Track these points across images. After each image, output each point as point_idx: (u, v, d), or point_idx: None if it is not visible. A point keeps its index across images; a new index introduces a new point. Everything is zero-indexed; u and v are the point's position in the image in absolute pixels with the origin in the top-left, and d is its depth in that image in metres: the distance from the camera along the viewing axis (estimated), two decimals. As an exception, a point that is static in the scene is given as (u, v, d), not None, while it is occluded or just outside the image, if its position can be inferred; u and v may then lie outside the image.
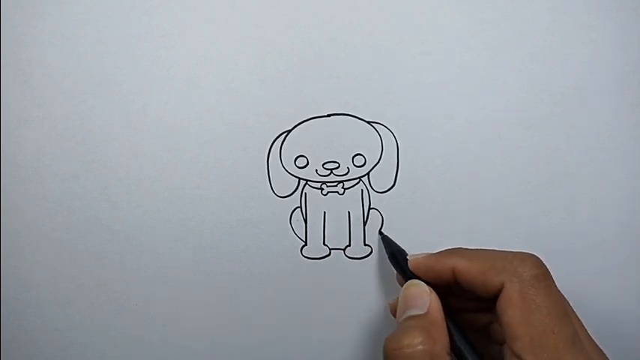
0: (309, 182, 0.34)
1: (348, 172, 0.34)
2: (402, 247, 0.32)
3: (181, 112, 0.34)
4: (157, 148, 0.34)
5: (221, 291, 0.34)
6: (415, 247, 0.34)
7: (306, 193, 0.34)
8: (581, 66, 0.34)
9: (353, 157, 0.34)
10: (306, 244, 0.34)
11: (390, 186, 0.34)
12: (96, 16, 0.34)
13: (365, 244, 0.34)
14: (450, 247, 0.29)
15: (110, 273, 0.34)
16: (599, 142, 0.34)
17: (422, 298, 0.27)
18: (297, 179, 0.34)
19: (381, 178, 0.34)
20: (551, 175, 0.34)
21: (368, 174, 0.34)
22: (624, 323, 0.34)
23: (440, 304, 0.27)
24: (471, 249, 0.28)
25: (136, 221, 0.34)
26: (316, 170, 0.34)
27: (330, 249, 0.34)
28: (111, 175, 0.34)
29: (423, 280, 0.29)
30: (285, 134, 0.34)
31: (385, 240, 0.33)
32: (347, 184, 0.34)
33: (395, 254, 0.31)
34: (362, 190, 0.34)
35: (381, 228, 0.34)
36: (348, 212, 0.34)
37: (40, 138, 0.34)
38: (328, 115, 0.34)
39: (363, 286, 0.34)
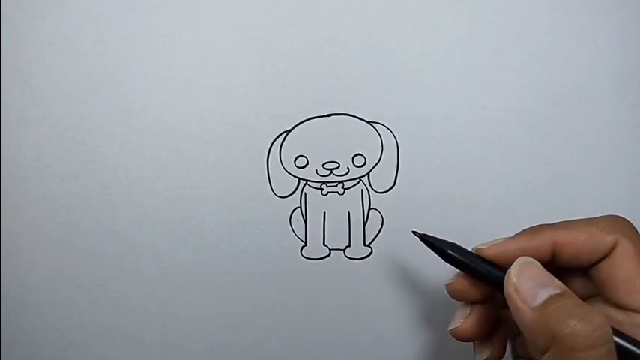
0: (309, 182, 0.34)
1: (348, 172, 0.34)
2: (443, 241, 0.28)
3: (181, 112, 0.34)
4: (157, 148, 0.34)
5: (221, 291, 0.34)
6: (415, 247, 0.34)
7: (305, 194, 0.34)
8: (581, 66, 0.34)
9: (353, 157, 0.34)
10: (305, 245, 0.34)
11: (390, 186, 0.34)
12: (96, 16, 0.34)
13: (365, 245, 0.34)
14: (525, 229, 0.27)
15: (110, 273, 0.34)
16: (599, 142, 0.34)
17: (545, 275, 0.24)
18: (297, 179, 0.34)
19: (381, 178, 0.34)
20: (551, 175, 0.34)
21: (368, 174, 0.34)
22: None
23: None
24: (558, 222, 0.27)
25: (136, 221, 0.34)
26: (316, 170, 0.34)
27: (329, 249, 0.34)
28: (111, 175, 0.34)
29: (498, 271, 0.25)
30: (285, 134, 0.34)
31: (430, 238, 0.28)
32: (347, 185, 0.34)
33: (454, 249, 0.27)
34: (362, 190, 0.34)
35: (381, 228, 0.34)
36: (348, 212, 0.34)
37: (40, 138, 0.34)
38: (328, 115, 0.34)
39: (363, 287, 0.34)
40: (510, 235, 0.27)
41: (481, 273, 0.26)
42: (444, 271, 0.34)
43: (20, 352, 0.34)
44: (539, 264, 0.25)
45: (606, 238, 0.25)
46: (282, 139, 0.34)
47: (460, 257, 0.26)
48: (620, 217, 0.26)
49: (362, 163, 0.34)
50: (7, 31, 0.34)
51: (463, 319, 0.27)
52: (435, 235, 0.28)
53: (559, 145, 0.34)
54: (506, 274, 0.24)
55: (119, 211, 0.34)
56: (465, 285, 0.27)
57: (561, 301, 0.23)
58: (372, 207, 0.34)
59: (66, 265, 0.34)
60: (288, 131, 0.34)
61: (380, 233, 0.34)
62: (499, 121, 0.34)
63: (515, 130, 0.34)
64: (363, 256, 0.34)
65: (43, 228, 0.34)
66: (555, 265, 0.26)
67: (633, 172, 0.34)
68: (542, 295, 0.23)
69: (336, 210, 0.34)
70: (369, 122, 0.34)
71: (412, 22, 0.34)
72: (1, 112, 0.34)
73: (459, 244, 0.27)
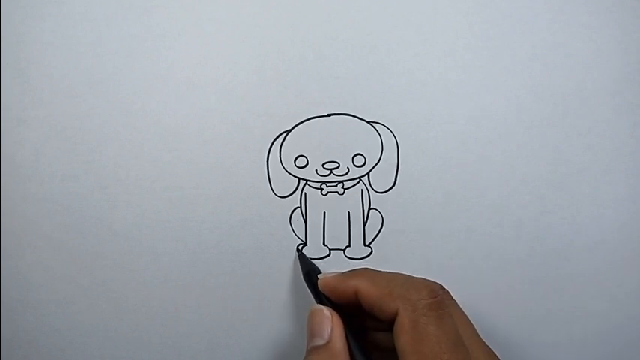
0: (308, 182, 0.34)
1: (348, 172, 0.34)
2: (318, 266, 0.32)
3: (181, 112, 0.34)
4: (156, 148, 0.34)
5: (221, 291, 0.34)
6: (415, 247, 0.34)
7: (305, 193, 0.34)
8: (581, 66, 0.34)
9: (353, 157, 0.34)
10: (305, 245, 0.34)
11: (390, 186, 0.34)
12: (96, 16, 0.34)
13: (365, 245, 0.34)
14: (358, 267, 0.30)
15: (110, 273, 0.34)
16: (599, 142, 0.34)
17: (323, 324, 0.28)
18: (297, 179, 0.34)
19: (381, 178, 0.34)
20: (551, 175, 0.34)
21: (368, 174, 0.34)
22: (624, 323, 0.34)
23: (342, 329, 0.27)
24: (377, 271, 0.29)
25: (136, 221, 0.34)
26: (316, 170, 0.34)
27: (329, 249, 0.34)
28: (111, 175, 0.34)
29: (332, 301, 0.29)
30: (285, 134, 0.34)
31: (301, 258, 0.33)
32: (347, 184, 0.34)
33: (309, 273, 0.31)
34: (362, 190, 0.34)
35: (381, 228, 0.34)
36: (348, 212, 0.34)
37: (40, 138, 0.34)
38: (328, 115, 0.34)
39: (363, 286, 0.34)
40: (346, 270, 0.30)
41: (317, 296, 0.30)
42: (444, 272, 0.34)
43: (20, 352, 0.34)
44: (324, 312, 0.28)
45: (389, 305, 0.26)
46: (282, 139, 0.34)
47: (308, 283, 0.31)
48: (423, 283, 0.27)
49: (362, 163, 0.34)
50: (7, 31, 0.34)
51: None
52: (308, 257, 0.33)
53: (559, 145, 0.34)
54: None
55: (119, 211, 0.34)
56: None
57: (314, 355, 0.27)
58: (372, 207, 0.34)
59: (66, 265, 0.34)
60: (288, 131, 0.34)
61: (380, 233, 0.34)
62: (499, 121, 0.34)
63: (515, 130, 0.34)
64: (363, 256, 0.34)
65: (43, 228, 0.34)
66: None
67: (633, 172, 0.34)
68: (311, 342, 0.28)
69: (336, 210, 0.34)
70: (369, 122, 0.34)
71: (412, 22, 0.34)
72: (1, 112, 0.34)
73: (319, 271, 0.32)
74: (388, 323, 0.27)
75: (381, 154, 0.34)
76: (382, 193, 0.34)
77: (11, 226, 0.34)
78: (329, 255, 0.34)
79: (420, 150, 0.34)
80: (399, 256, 0.34)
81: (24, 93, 0.34)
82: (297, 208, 0.34)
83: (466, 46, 0.34)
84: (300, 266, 0.33)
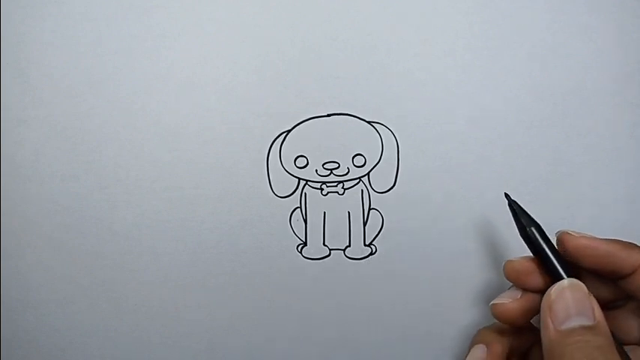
0: (309, 182, 0.34)
1: (348, 172, 0.34)
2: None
3: (181, 112, 0.34)
4: (156, 148, 0.34)
5: (221, 291, 0.34)
6: (415, 247, 0.34)
7: (305, 193, 0.34)
8: (581, 66, 0.34)
9: (353, 157, 0.34)
10: (305, 245, 0.34)
11: (390, 186, 0.34)
12: (96, 16, 0.34)
13: (365, 245, 0.34)
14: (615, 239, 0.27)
15: (110, 273, 0.34)
16: (599, 142, 0.34)
17: (588, 302, 0.24)
18: (297, 179, 0.34)
19: (381, 178, 0.34)
20: (551, 175, 0.34)
21: (368, 174, 0.34)
22: (624, 323, 0.34)
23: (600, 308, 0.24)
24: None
25: (136, 221, 0.34)
26: (316, 170, 0.34)
27: (329, 249, 0.34)
28: (111, 175, 0.34)
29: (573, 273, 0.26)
30: (284, 134, 0.34)
31: (516, 212, 0.28)
32: (347, 185, 0.34)
33: (536, 229, 0.27)
34: (362, 190, 0.34)
35: (381, 228, 0.34)
36: (348, 212, 0.34)
37: (40, 138, 0.34)
38: (328, 115, 0.34)
39: (363, 287, 0.34)
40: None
41: (548, 265, 0.26)
42: (444, 272, 0.34)
43: (20, 352, 0.34)
44: (586, 291, 0.24)
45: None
46: (282, 139, 0.34)
47: (537, 241, 0.27)
48: None
49: (362, 163, 0.34)
50: (7, 31, 0.34)
51: (512, 299, 0.27)
52: (524, 208, 0.28)
53: (559, 145, 0.34)
54: (550, 288, 0.25)
55: (119, 211, 0.34)
56: (527, 269, 0.27)
57: (587, 336, 0.23)
58: (372, 207, 0.34)
59: (66, 265, 0.34)
60: (288, 131, 0.34)
61: (380, 233, 0.34)
62: (499, 121, 0.34)
63: (515, 130, 0.34)
64: (363, 256, 0.34)
65: (43, 228, 0.34)
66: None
67: (633, 172, 0.34)
68: (573, 321, 0.23)
69: (336, 210, 0.34)
70: (369, 122, 0.34)
71: (412, 22, 0.34)
72: (1, 112, 0.34)
73: (541, 226, 0.28)
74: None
75: (381, 154, 0.34)
76: (382, 193, 0.34)
77: (11, 226, 0.34)
78: (329, 255, 0.34)
79: (420, 150, 0.34)
80: (399, 256, 0.34)
81: (24, 93, 0.34)
82: (297, 208, 0.34)
83: (466, 46, 0.34)
84: (515, 218, 0.28)
